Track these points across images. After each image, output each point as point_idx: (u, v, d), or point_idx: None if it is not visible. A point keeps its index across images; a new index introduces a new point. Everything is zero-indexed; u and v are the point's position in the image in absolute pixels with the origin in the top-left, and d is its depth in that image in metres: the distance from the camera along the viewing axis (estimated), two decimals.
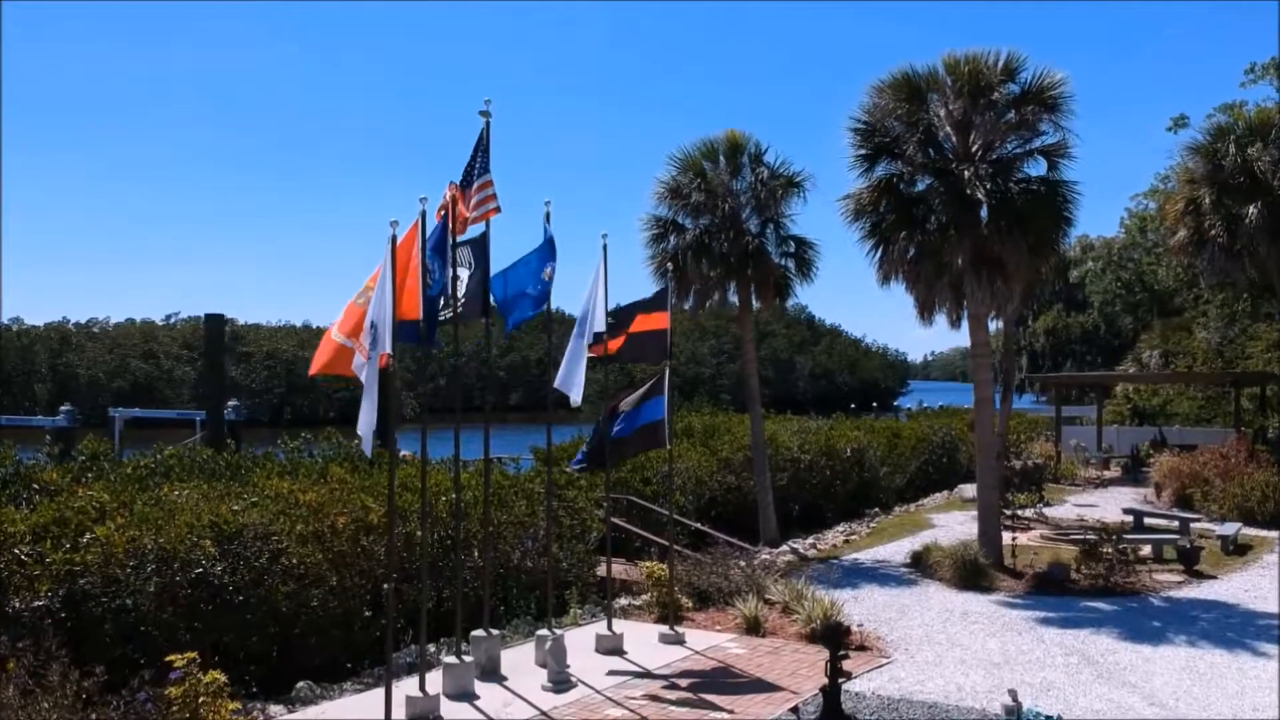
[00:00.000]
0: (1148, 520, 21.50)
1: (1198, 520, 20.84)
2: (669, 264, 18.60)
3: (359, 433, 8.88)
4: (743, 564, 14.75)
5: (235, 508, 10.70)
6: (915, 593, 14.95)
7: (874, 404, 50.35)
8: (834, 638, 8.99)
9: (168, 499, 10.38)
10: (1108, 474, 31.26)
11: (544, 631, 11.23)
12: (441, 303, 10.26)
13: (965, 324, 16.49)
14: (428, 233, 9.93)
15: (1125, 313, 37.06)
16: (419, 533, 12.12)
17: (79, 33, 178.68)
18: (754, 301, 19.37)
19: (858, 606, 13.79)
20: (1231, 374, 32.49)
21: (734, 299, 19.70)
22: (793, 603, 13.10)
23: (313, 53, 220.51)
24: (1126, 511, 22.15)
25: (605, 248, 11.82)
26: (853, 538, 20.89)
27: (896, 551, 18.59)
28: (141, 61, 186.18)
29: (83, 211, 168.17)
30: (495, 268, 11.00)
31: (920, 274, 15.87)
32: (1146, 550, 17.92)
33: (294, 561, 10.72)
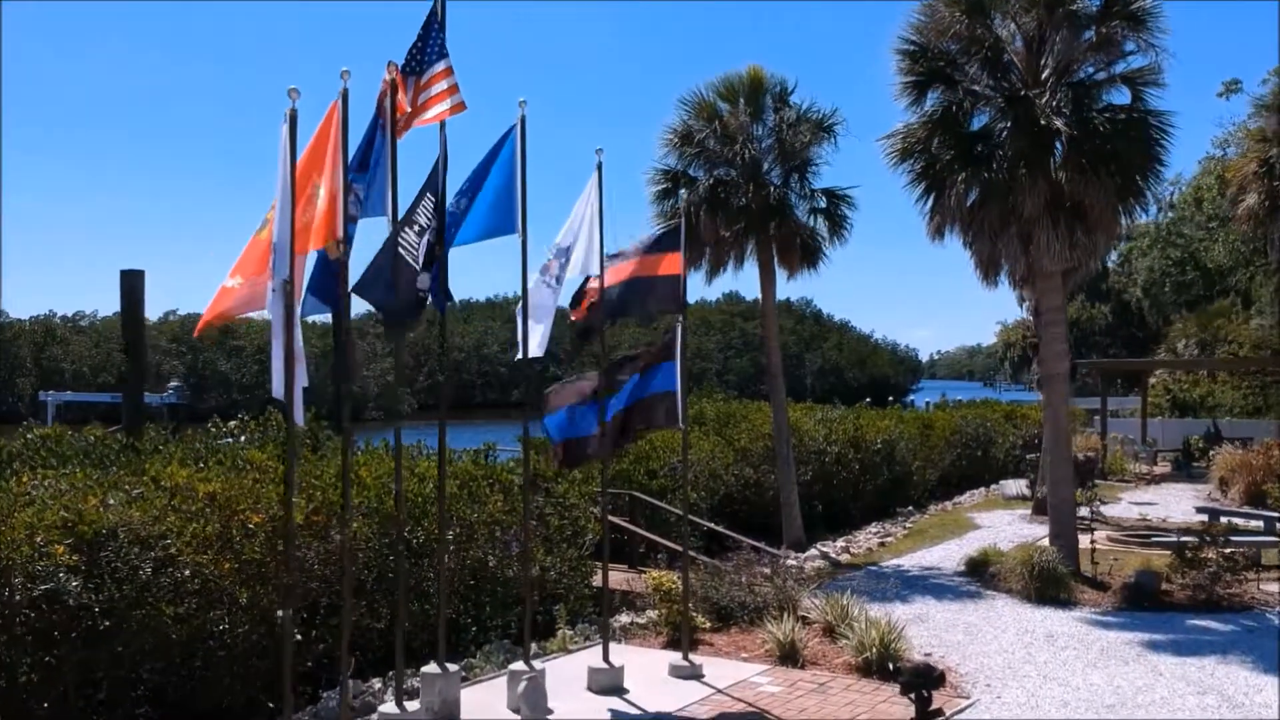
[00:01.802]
0: (1225, 520, 18.83)
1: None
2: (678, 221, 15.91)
3: (274, 394, 6.27)
4: (768, 572, 12.12)
5: (110, 502, 8.05)
6: (981, 608, 12.26)
7: (889, 398, 47.62)
8: (923, 684, 6.33)
9: (12, 490, 7.73)
10: (1157, 469, 28.53)
11: (519, 665, 8.57)
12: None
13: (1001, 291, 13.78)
14: (372, 132, 7.33)
15: (1173, 293, 34.21)
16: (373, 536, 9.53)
17: (85, 31, 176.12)
18: (776, 266, 16.68)
19: (917, 627, 11.11)
20: None
21: (754, 266, 17.01)
22: (837, 623, 10.45)
23: (309, 47, 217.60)
24: (1201, 510, 19.46)
25: (600, 166, 9.18)
26: (888, 540, 18.21)
27: (945, 557, 15.90)
28: (146, 56, 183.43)
29: (79, 208, 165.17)
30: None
31: (983, 223, 13.20)
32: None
33: (188, 573, 8.08)
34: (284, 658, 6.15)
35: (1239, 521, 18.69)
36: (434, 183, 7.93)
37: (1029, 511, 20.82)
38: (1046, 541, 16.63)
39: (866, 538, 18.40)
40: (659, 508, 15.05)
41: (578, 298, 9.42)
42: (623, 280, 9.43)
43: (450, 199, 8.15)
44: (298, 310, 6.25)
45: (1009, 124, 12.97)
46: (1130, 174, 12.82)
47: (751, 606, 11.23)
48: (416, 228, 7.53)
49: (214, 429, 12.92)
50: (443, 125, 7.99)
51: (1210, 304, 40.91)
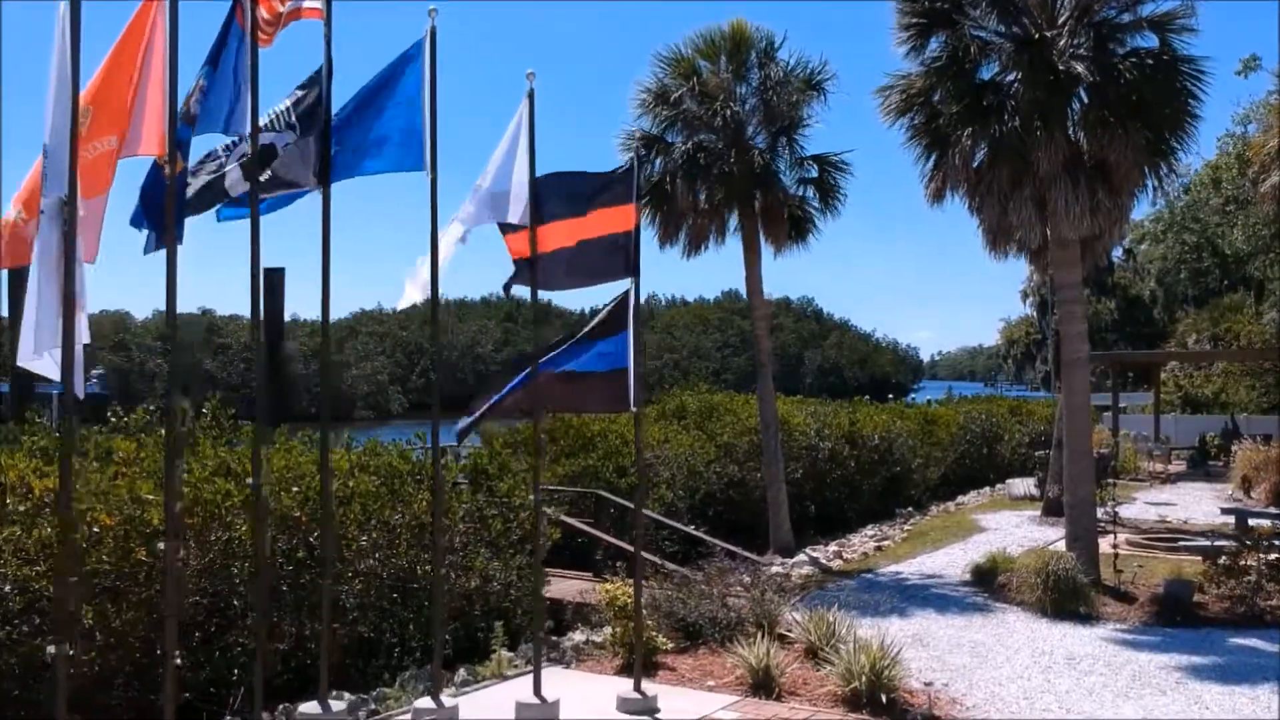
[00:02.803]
0: (1254, 521, 17.24)
1: None
2: (652, 192, 14.38)
3: (22, 359, 4.67)
4: (747, 582, 10.55)
5: None
6: (991, 624, 10.67)
7: (889, 396, 46.06)
8: None
9: None
10: (1172, 468, 26.91)
11: (426, 702, 6.98)
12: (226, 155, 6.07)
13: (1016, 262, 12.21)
14: (226, 28, 5.80)
15: (1189, 281, 32.48)
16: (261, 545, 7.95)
17: None
18: (762, 241, 15.07)
19: (916, 649, 9.52)
20: None
21: (738, 243, 15.41)
22: (822, 644, 8.88)
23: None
24: (1227, 511, 17.85)
25: (532, 94, 7.56)
26: (885, 544, 16.62)
27: (948, 563, 14.31)
28: None
29: None
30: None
31: (992, 184, 11.63)
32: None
33: (8, 589, 6.50)
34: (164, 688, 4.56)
35: (1266, 524, 17.12)
36: (311, 95, 6.35)
37: (1038, 513, 19.24)
38: (1061, 545, 15.10)
39: (862, 541, 16.82)
40: (630, 509, 13.44)
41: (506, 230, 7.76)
42: (568, 246, 7.84)
43: (336, 117, 6.59)
44: (79, 243, 4.64)
45: (1022, 72, 11.37)
46: (1160, 127, 11.24)
47: (724, 623, 9.65)
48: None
49: (114, 418, 11.31)
50: (328, 24, 6.42)
51: (1226, 291, 39.30)
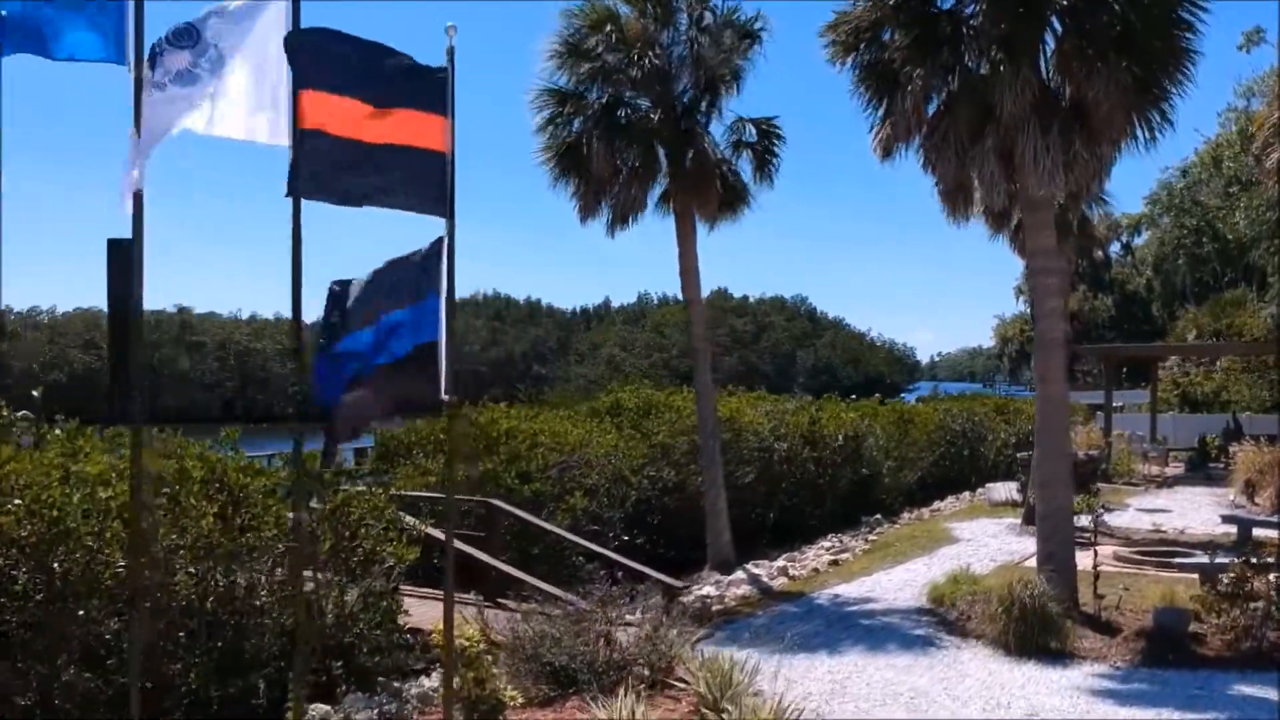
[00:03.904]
0: (1258, 531, 15.35)
1: None
2: (566, 155, 12.50)
3: None
4: (649, 614, 8.65)
5: None
6: (940, 665, 8.76)
7: (874, 395, 44.13)
8: None
9: None
10: (1169, 470, 24.99)
11: None
12: None
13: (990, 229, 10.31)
14: None
15: (1187, 268, 30.46)
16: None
17: None
18: (694, 210, 13.15)
19: (840, 700, 7.61)
20: None
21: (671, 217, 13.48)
22: (718, 697, 6.95)
23: None
24: (1228, 520, 15.96)
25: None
26: (843, 556, 14.71)
27: (906, 582, 12.41)
28: None
29: (52, 204, 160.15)
30: None
31: (948, 133, 9.72)
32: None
33: None
34: None
35: (1273, 535, 15.22)
36: None
37: (1019, 521, 17.33)
38: (1035, 562, 13.28)
39: (816, 554, 14.90)
40: (530, 522, 11.52)
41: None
42: (360, 140, 5.71)
43: None
44: None
45: None
46: (1149, 63, 9.34)
47: (606, 667, 7.74)
48: None
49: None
50: None
51: (1226, 286, 37.35)
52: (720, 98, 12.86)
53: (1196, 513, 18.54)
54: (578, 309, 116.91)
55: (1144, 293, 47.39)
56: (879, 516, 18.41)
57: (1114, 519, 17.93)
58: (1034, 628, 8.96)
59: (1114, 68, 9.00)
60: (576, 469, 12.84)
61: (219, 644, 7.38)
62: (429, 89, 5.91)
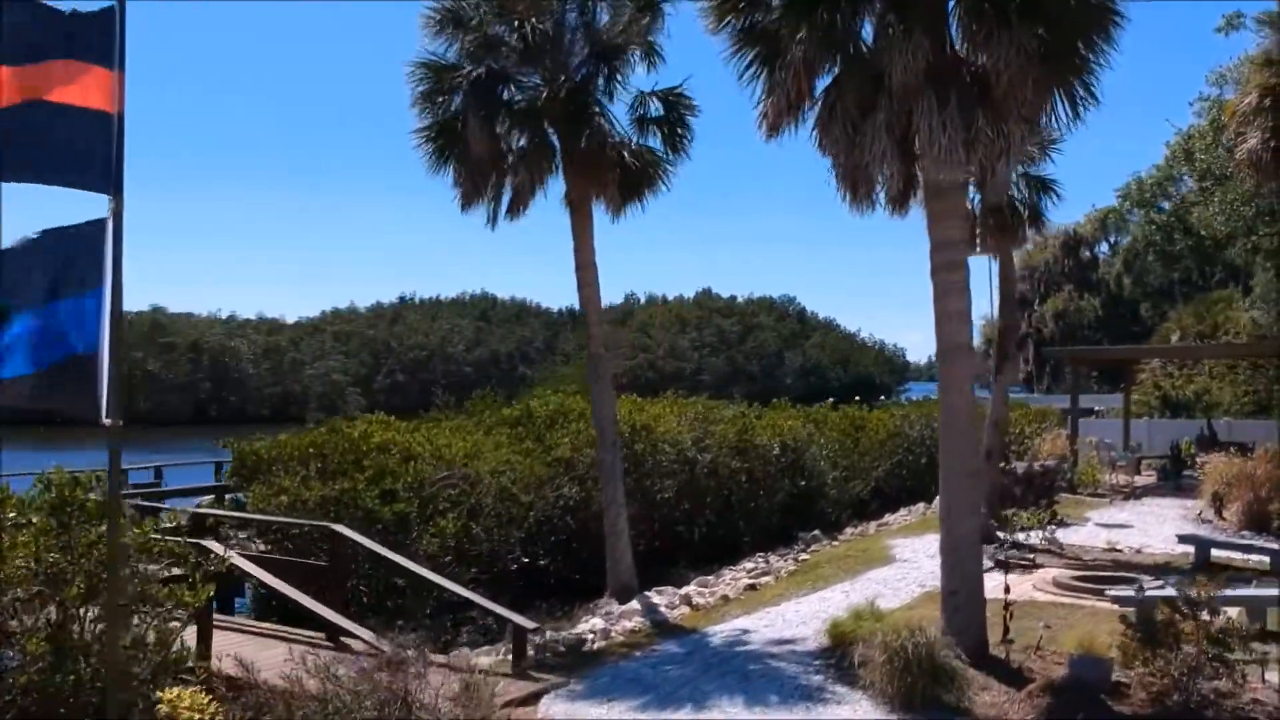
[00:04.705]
0: (1217, 553, 14.11)
1: None
2: (440, 134, 11.27)
3: None
4: (461, 671, 7.42)
5: None
6: None
7: (867, 400, 42.62)
8: None
9: None
10: (1140, 480, 23.72)
11: None
12: None
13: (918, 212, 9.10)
14: None
15: (1159, 265, 29.01)
16: None
17: None
18: (592, 195, 11.90)
19: None
20: None
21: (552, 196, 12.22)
22: None
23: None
24: (1184, 540, 14.71)
25: None
26: (763, 581, 13.47)
27: (816, 613, 11.15)
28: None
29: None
30: None
31: (835, 105, 8.45)
32: (1234, 616, 10.50)
33: None
34: None
35: (1237, 556, 13.98)
36: None
37: None
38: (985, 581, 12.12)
39: (734, 578, 13.65)
40: (392, 548, 10.21)
41: None
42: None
43: None
44: None
45: None
46: (1060, 26, 8.07)
47: None
48: None
49: None
50: None
51: (1205, 281, 36.06)
52: (619, 72, 11.61)
53: (1160, 528, 17.28)
54: (565, 309, 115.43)
55: (1112, 287, 46.10)
56: (818, 533, 17.16)
57: (1069, 535, 16.71)
58: (922, 680, 7.71)
59: (1018, 29, 7.75)
60: (456, 486, 11.58)
61: None
62: (89, 36, 4.67)
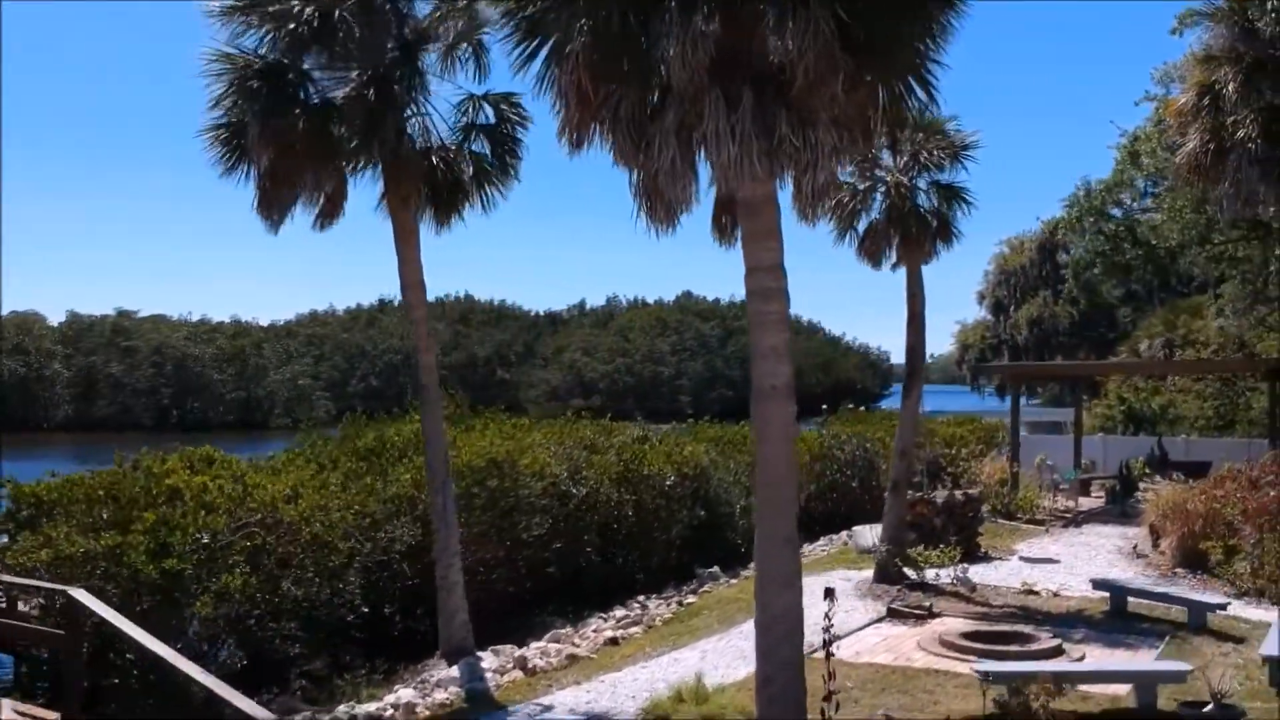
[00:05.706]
0: (1134, 602, 12.74)
1: (1218, 604, 12.09)
2: (229, 136, 9.91)
3: None
4: None
5: None
6: None
7: (823, 407, 41.21)
8: None
9: None
10: (1086, 502, 22.35)
11: None
12: None
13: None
14: None
15: (1109, 277, 27.60)
16: None
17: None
18: (411, 205, 10.53)
19: None
20: (1267, 362, 23.09)
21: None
22: None
23: None
24: (1098, 586, 13.35)
25: None
26: (630, 633, 12.11)
27: (655, 681, 9.79)
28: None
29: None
30: None
31: (619, 107, 7.09)
32: (1120, 692, 9.15)
33: None
34: None
35: (1158, 606, 12.61)
36: None
37: (871, 576, 14.75)
38: (873, 633, 10.94)
39: (597, 629, 12.29)
40: (168, 611, 8.79)
41: None
42: None
43: None
44: None
45: None
46: (877, 8, 6.71)
47: None
48: None
49: None
50: None
51: (1183, 285, 34.76)
52: (426, 64, 10.23)
53: (1088, 565, 15.93)
54: (543, 312, 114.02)
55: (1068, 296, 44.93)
56: (716, 570, 15.79)
57: (987, 573, 15.35)
58: None
59: (815, 13, 6.38)
60: (255, 537, 10.21)
61: None
62: None
